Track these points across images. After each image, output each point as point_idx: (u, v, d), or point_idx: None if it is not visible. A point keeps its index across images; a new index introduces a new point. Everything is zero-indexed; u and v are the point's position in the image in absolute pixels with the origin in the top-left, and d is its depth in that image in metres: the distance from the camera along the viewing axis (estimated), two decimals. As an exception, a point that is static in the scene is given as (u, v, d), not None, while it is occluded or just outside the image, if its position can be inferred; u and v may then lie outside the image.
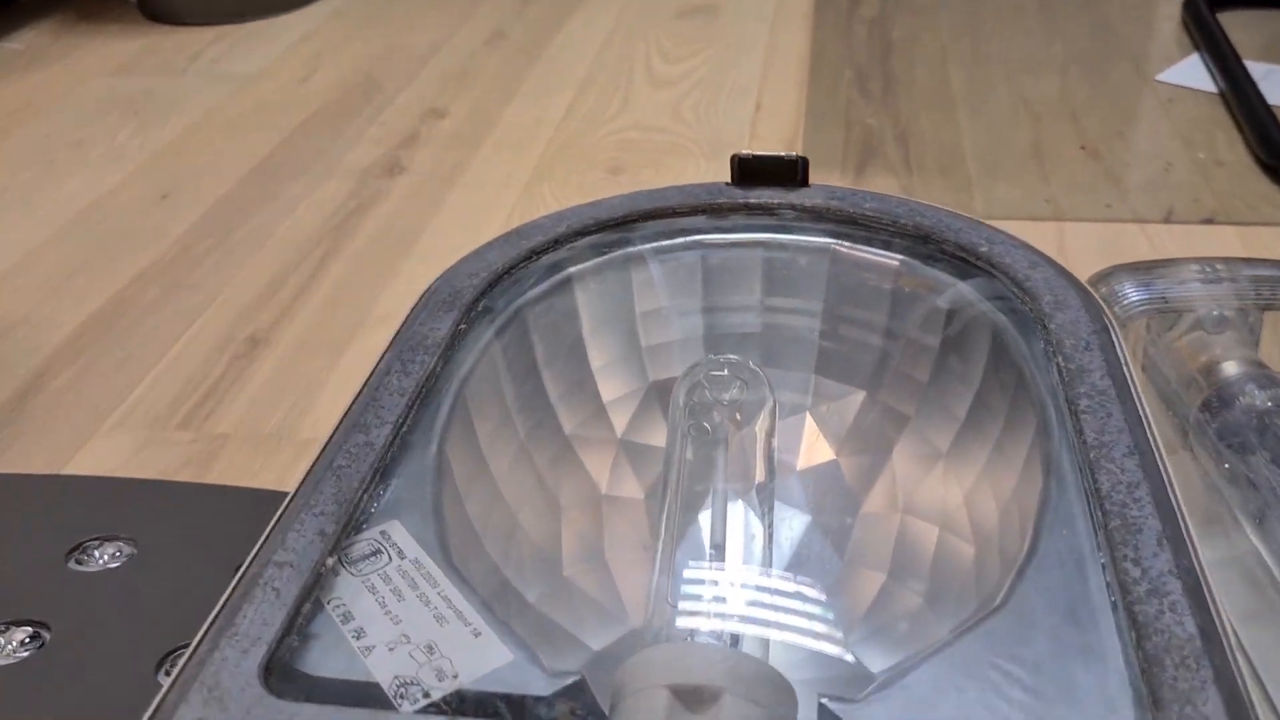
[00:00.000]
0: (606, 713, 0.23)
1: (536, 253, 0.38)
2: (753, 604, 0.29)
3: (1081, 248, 0.64)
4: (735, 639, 0.28)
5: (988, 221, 0.38)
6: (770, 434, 0.34)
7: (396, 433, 0.29)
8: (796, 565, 0.36)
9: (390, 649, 0.23)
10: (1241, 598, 0.34)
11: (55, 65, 0.96)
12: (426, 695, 0.22)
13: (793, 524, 0.37)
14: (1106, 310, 0.33)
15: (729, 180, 0.41)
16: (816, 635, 0.30)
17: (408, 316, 0.34)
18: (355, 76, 0.93)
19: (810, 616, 0.30)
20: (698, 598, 0.28)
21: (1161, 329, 0.41)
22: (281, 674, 0.22)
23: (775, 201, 0.40)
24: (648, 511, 0.37)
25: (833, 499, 0.37)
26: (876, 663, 0.32)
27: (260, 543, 0.25)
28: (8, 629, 0.37)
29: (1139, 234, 0.66)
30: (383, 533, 0.27)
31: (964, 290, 0.36)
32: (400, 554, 0.26)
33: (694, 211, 0.40)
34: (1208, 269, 0.43)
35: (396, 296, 0.61)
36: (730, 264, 0.40)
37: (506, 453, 0.35)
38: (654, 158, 0.77)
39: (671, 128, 0.82)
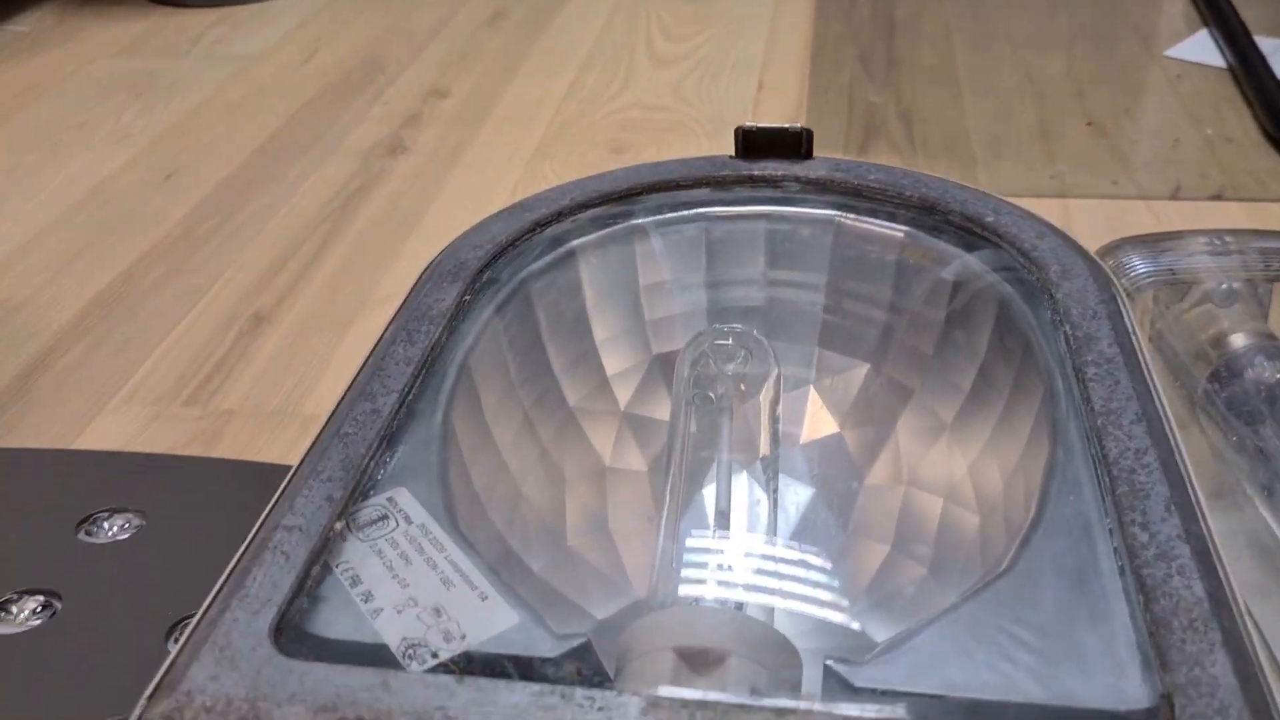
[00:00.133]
0: (611, 676, 0.23)
1: (540, 225, 0.38)
2: (758, 571, 0.29)
3: (1087, 224, 0.64)
4: (740, 606, 0.28)
5: (994, 194, 0.38)
6: (775, 403, 0.34)
7: (402, 401, 0.29)
8: (800, 536, 0.36)
9: (398, 611, 0.24)
10: (1250, 570, 0.34)
11: (59, 48, 0.96)
12: (435, 656, 0.22)
13: (796, 496, 0.37)
14: (1114, 279, 0.33)
15: (733, 153, 0.41)
16: (821, 603, 0.30)
17: (413, 287, 0.34)
18: (357, 57, 0.92)
19: (815, 585, 0.30)
20: (703, 565, 0.28)
21: (1170, 301, 0.41)
22: (291, 635, 0.23)
23: (779, 174, 0.40)
24: (651, 484, 0.37)
25: (836, 471, 0.37)
26: (880, 632, 0.32)
27: (269, 508, 0.26)
28: (20, 598, 0.38)
29: (1145, 210, 0.65)
30: (390, 499, 0.27)
31: (970, 261, 0.36)
32: (407, 519, 0.26)
33: (698, 184, 0.40)
34: (1216, 241, 0.43)
35: (399, 276, 0.61)
36: (734, 237, 0.40)
37: (511, 424, 0.35)
38: (656, 136, 0.77)
39: (673, 107, 0.81)
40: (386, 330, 0.32)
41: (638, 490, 0.37)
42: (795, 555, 0.30)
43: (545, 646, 0.23)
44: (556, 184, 0.40)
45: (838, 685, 0.22)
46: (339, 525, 0.26)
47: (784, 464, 0.36)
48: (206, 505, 0.42)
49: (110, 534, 0.41)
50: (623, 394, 0.38)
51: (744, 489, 0.31)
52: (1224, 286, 0.42)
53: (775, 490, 0.32)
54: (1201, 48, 0.86)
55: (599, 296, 0.38)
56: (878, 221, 0.38)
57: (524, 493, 0.34)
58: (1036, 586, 0.23)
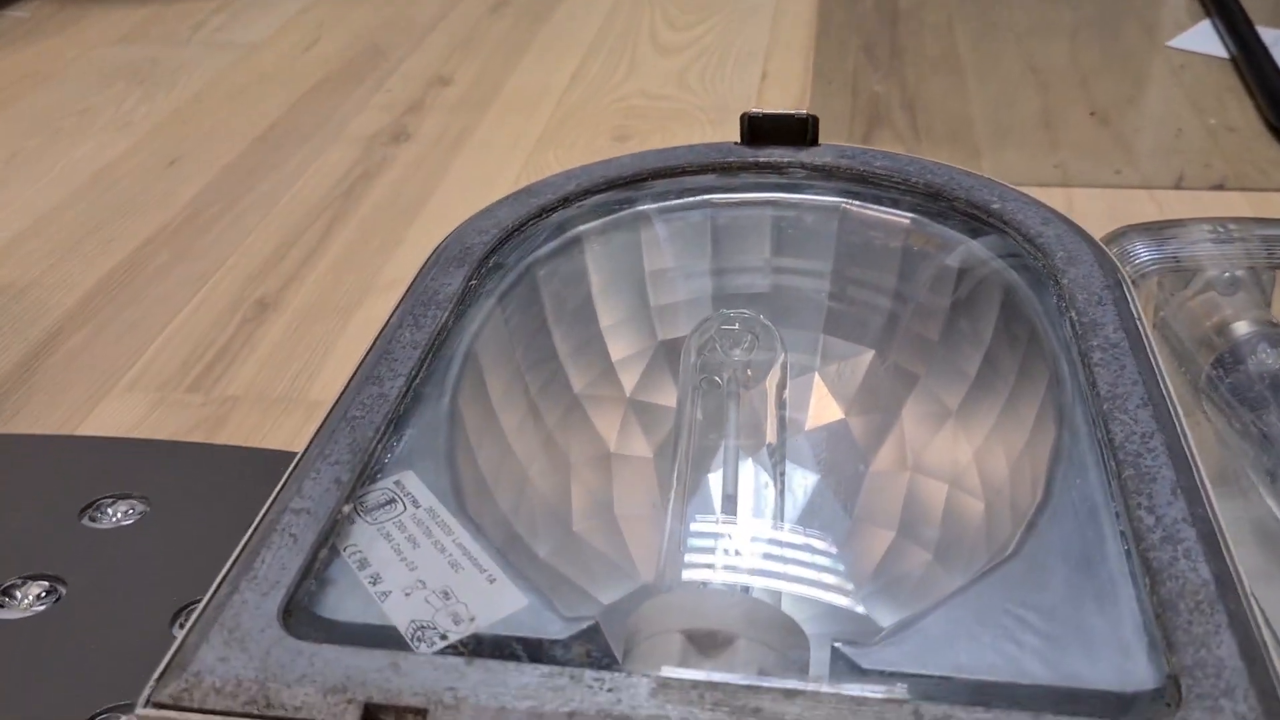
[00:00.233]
0: (619, 658, 0.23)
1: (546, 211, 0.38)
2: (765, 556, 0.29)
3: (1091, 213, 0.64)
4: (746, 590, 0.28)
5: (999, 180, 0.38)
6: (782, 388, 0.34)
7: (409, 385, 0.29)
8: (805, 522, 0.36)
9: (406, 594, 0.24)
10: (1254, 556, 0.34)
11: (60, 34, 0.96)
12: (444, 638, 0.22)
13: (801, 482, 0.37)
14: (1119, 266, 0.33)
15: (738, 140, 0.41)
16: (827, 588, 0.30)
17: (419, 272, 0.34)
18: (359, 44, 0.92)
19: (821, 569, 0.30)
20: (710, 549, 0.28)
21: (1174, 288, 0.41)
22: (300, 617, 0.23)
23: (785, 160, 0.40)
24: (656, 470, 0.37)
25: (841, 458, 0.38)
26: (885, 617, 0.32)
27: (277, 490, 0.26)
28: (24, 583, 0.38)
29: (1148, 200, 0.65)
30: (397, 482, 0.27)
31: (975, 247, 0.36)
32: (415, 503, 0.26)
33: (703, 170, 0.40)
34: (1220, 229, 0.43)
35: (402, 262, 0.61)
36: (740, 223, 0.40)
37: (517, 409, 0.35)
38: (660, 124, 0.77)
39: (677, 95, 0.81)
40: (393, 315, 0.32)
41: (643, 476, 0.37)
42: (802, 540, 0.30)
43: (554, 629, 0.23)
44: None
45: (845, 667, 0.22)
46: (347, 508, 0.26)
47: (789, 450, 0.36)
48: (211, 492, 0.42)
49: (114, 520, 0.41)
50: (628, 380, 0.38)
51: (750, 474, 0.31)
52: (1227, 274, 0.42)
53: (783, 473, 0.32)
54: (1204, 38, 0.86)
55: (604, 282, 0.38)
56: (883, 208, 0.38)
57: (530, 477, 0.34)
58: (1043, 570, 0.24)
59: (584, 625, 0.23)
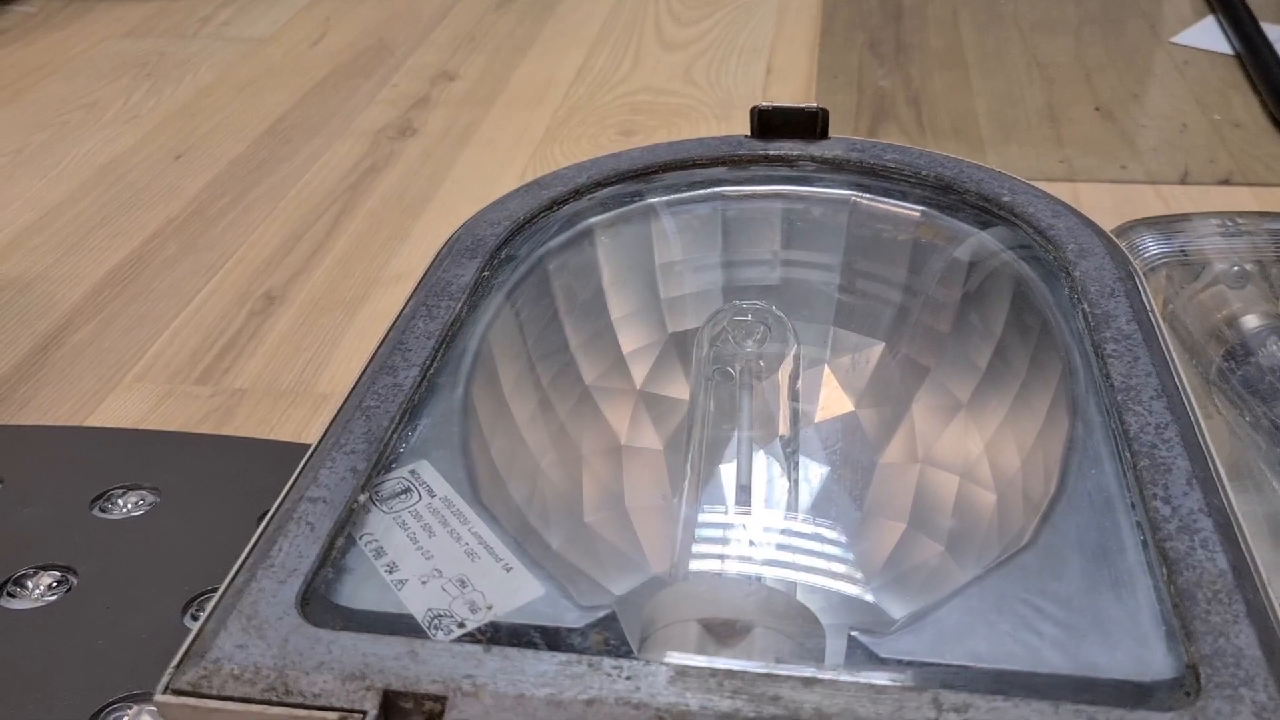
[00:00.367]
0: (634, 647, 0.23)
1: (557, 203, 0.38)
2: (779, 546, 0.29)
3: (1097, 208, 0.64)
4: (760, 579, 0.28)
5: (1009, 173, 0.38)
6: (795, 379, 0.34)
7: (424, 375, 0.29)
8: (816, 513, 0.36)
9: (423, 582, 0.24)
10: (1267, 551, 0.34)
11: (67, 28, 0.96)
12: (461, 626, 0.23)
13: (812, 474, 0.37)
14: (1131, 258, 0.33)
15: (748, 133, 0.41)
16: (840, 578, 0.30)
17: (432, 263, 0.34)
18: (365, 39, 0.92)
19: (834, 559, 0.30)
20: (726, 539, 0.28)
21: (1184, 281, 0.41)
22: (318, 604, 0.23)
23: (795, 153, 0.40)
24: (667, 462, 0.37)
25: (851, 450, 0.38)
26: (896, 609, 0.32)
27: (293, 479, 0.26)
28: (35, 573, 0.38)
29: (1154, 195, 0.65)
30: (412, 471, 0.27)
31: (986, 240, 0.36)
32: (430, 492, 0.26)
33: (714, 163, 0.40)
34: (1228, 223, 0.43)
35: (410, 256, 0.61)
36: (750, 216, 0.40)
37: (528, 400, 0.35)
38: (665, 120, 0.77)
39: (682, 90, 0.81)
40: (406, 305, 0.32)
41: (653, 468, 0.37)
42: (815, 531, 0.30)
43: (571, 617, 0.23)
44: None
45: (863, 656, 0.22)
46: (363, 497, 0.26)
47: (800, 442, 0.36)
48: (221, 482, 0.42)
49: (125, 510, 0.41)
50: (638, 372, 0.38)
51: (765, 462, 0.31)
52: (1235, 268, 0.42)
53: (796, 463, 0.32)
54: (1208, 34, 0.86)
55: (615, 275, 0.38)
56: (893, 201, 0.38)
57: (541, 468, 0.34)
58: (1059, 559, 0.24)
59: (601, 614, 0.23)
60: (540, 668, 0.21)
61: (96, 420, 0.48)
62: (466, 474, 0.27)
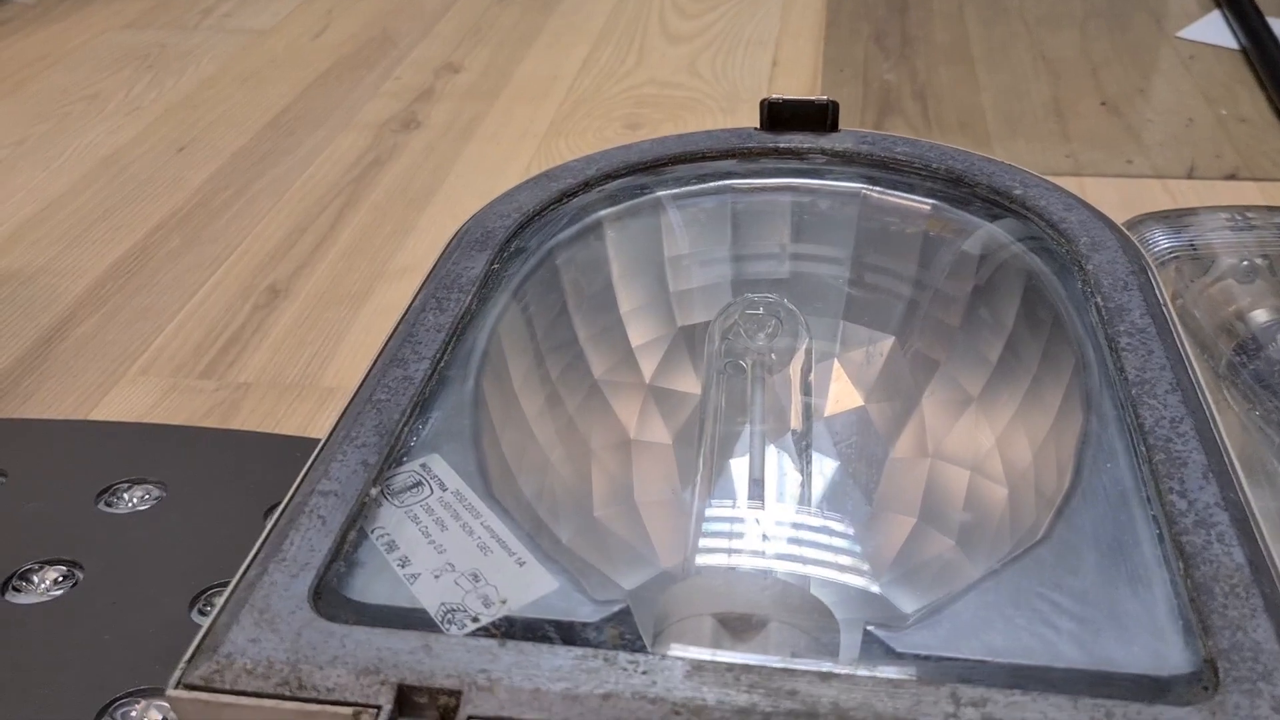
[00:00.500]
0: (647, 642, 0.23)
1: (566, 195, 0.38)
2: (793, 540, 0.29)
3: (1104, 202, 0.63)
4: (774, 574, 0.28)
5: (1020, 166, 0.38)
6: (806, 372, 0.34)
7: (434, 368, 0.29)
8: (827, 508, 0.36)
9: (435, 576, 0.24)
10: (1278, 547, 0.34)
11: (68, 19, 0.96)
12: (475, 620, 0.22)
13: (822, 468, 0.37)
14: (1143, 252, 0.33)
15: (757, 126, 0.41)
16: (854, 572, 0.30)
17: (441, 255, 0.34)
18: (369, 31, 0.92)
19: (845, 554, 0.30)
20: (739, 533, 0.28)
21: (1193, 275, 0.41)
22: (330, 598, 0.23)
23: (805, 146, 0.40)
24: (676, 456, 0.37)
25: (861, 445, 0.37)
26: (908, 604, 0.32)
27: (303, 473, 0.25)
28: (41, 568, 0.38)
29: (1160, 189, 0.65)
30: (423, 465, 0.27)
31: (997, 233, 0.36)
32: (442, 486, 0.26)
33: (723, 156, 0.40)
34: (1238, 217, 0.43)
35: (414, 249, 0.60)
36: (759, 209, 0.40)
37: (538, 394, 0.35)
38: (671, 113, 0.77)
39: (688, 83, 0.81)
40: (416, 298, 0.32)
41: (663, 463, 0.37)
42: (828, 525, 0.30)
43: (585, 611, 0.23)
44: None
45: (879, 650, 0.22)
46: (374, 491, 0.25)
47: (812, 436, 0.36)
48: (227, 477, 0.42)
49: (131, 505, 0.41)
50: (647, 366, 0.38)
51: (777, 457, 0.31)
52: (1245, 263, 0.42)
53: (809, 458, 0.32)
54: (1214, 29, 0.86)
55: (625, 268, 0.38)
56: (904, 194, 0.38)
57: (551, 462, 0.34)
58: (1075, 554, 0.23)
59: (615, 608, 0.23)
60: (555, 662, 0.21)
61: (100, 414, 0.48)
62: (478, 467, 0.27)
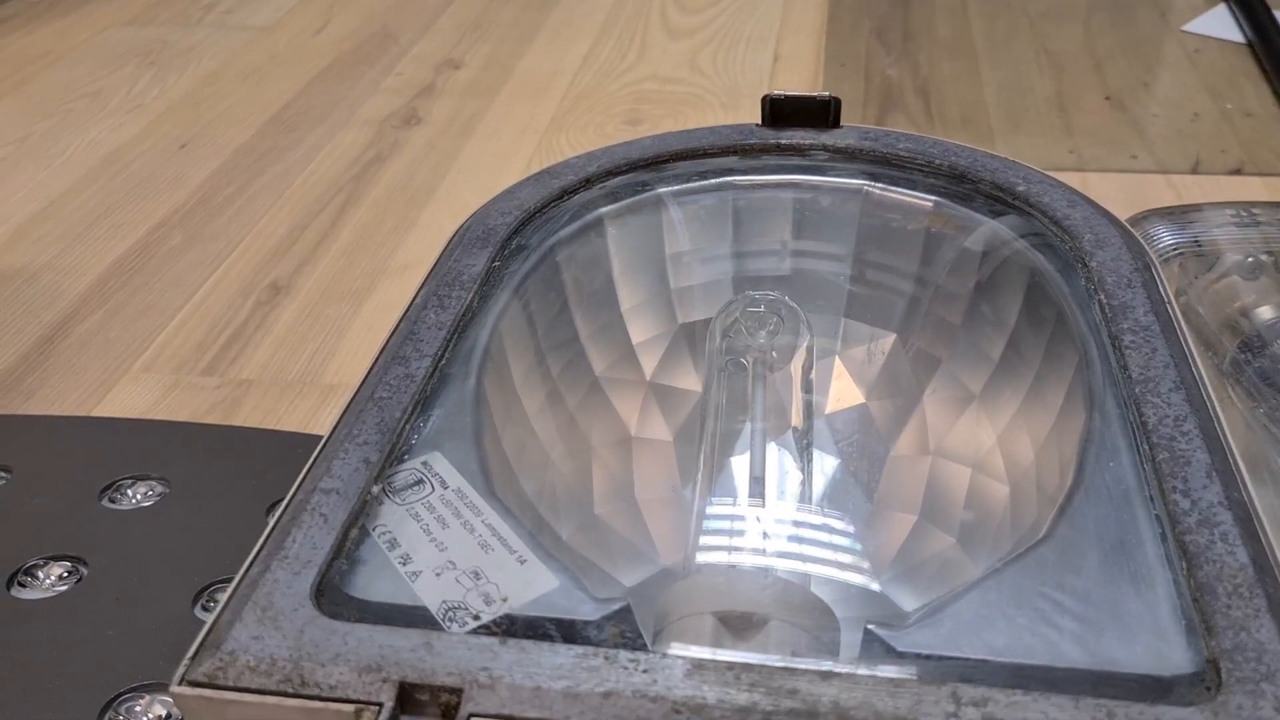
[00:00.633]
0: (648, 640, 0.23)
1: (567, 192, 0.38)
2: (794, 539, 0.29)
3: (1108, 198, 0.63)
4: (775, 572, 0.28)
5: (1022, 162, 0.37)
6: (808, 369, 0.34)
7: (436, 365, 0.29)
8: (827, 506, 0.36)
9: (437, 574, 0.24)
10: None
11: (70, 16, 0.96)
12: (476, 618, 0.22)
13: (822, 466, 0.37)
14: (1147, 248, 0.33)
15: (758, 122, 0.41)
16: (855, 571, 0.30)
17: (442, 252, 0.34)
18: (370, 27, 0.92)
19: (848, 552, 0.30)
20: (740, 531, 0.28)
21: (1198, 271, 0.41)
22: (332, 596, 0.23)
23: (807, 142, 0.40)
24: (677, 454, 0.37)
25: (862, 442, 0.37)
26: (908, 602, 0.32)
27: (305, 470, 0.25)
28: (46, 564, 0.38)
29: (1165, 185, 0.65)
30: (425, 463, 0.27)
31: (999, 230, 0.36)
32: (443, 484, 0.26)
33: (725, 152, 0.40)
34: (1243, 213, 0.43)
35: (415, 246, 0.60)
36: (761, 206, 0.40)
37: (539, 391, 0.34)
38: (672, 108, 0.76)
39: (689, 78, 0.81)
40: (417, 295, 0.32)
41: (663, 460, 0.37)
42: (829, 523, 0.30)
43: (586, 609, 0.23)
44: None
45: (880, 649, 0.22)
46: (376, 489, 0.25)
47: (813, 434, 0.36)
48: (229, 473, 0.42)
49: (134, 501, 0.41)
50: (648, 363, 0.38)
51: (778, 454, 0.31)
52: (1250, 259, 0.42)
53: (810, 455, 0.32)
54: (1219, 22, 0.86)
55: (625, 265, 0.38)
56: (906, 191, 0.38)
57: (552, 460, 0.34)
58: (1077, 553, 0.23)
59: (616, 606, 0.23)
60: (556, 660, 0.21)
61: (103, 411, 0.48)
62: (479, 465, 0.27)
